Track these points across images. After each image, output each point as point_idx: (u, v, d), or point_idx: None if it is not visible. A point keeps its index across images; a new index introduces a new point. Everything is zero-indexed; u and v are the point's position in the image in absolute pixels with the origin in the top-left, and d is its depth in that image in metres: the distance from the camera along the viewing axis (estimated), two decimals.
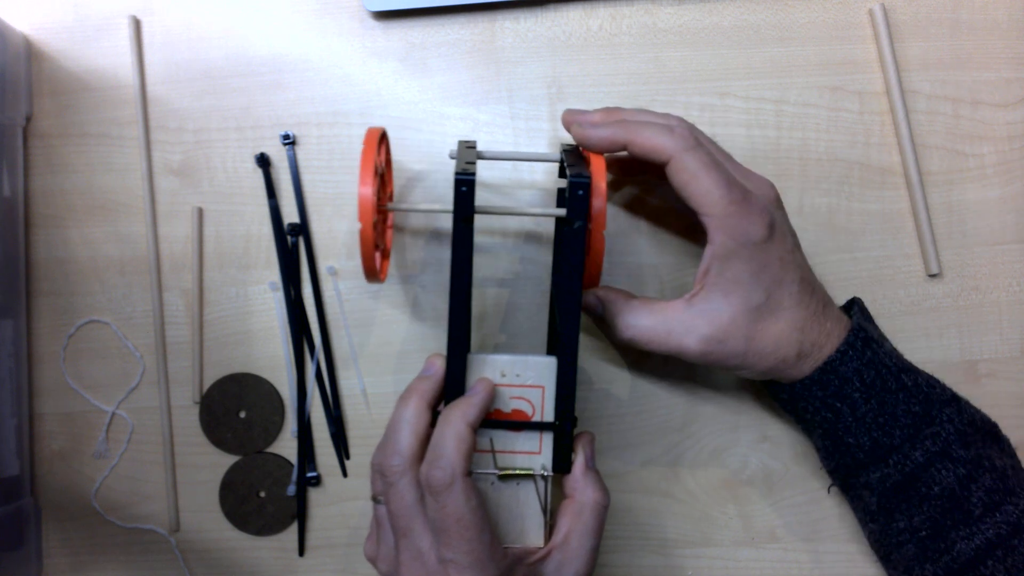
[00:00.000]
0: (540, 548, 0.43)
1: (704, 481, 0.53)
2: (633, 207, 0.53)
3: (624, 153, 0.47)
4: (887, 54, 0.52)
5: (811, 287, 0.45)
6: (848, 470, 0.46)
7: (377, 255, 0.45)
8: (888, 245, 0.53)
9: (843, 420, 0.45)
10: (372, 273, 0.45)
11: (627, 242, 0.53)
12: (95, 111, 0.53)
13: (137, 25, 0.53)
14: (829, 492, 0.52)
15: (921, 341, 0.53)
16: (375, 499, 0.43)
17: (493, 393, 0.43)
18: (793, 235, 0.46)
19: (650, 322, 0.44)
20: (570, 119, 0.47)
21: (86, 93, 0.53)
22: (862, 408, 0.44)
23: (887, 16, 0.53)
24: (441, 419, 0.41)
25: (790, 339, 0.44)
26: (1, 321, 0.50)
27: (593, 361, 0.53)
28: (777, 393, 0.48)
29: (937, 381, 0.46)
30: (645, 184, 0.53)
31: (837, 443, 0.46)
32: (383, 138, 0.47)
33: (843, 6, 0.53)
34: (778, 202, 0.46)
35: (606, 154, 0.46)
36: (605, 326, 0.47)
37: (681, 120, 0.45)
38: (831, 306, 0.46)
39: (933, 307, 0.53)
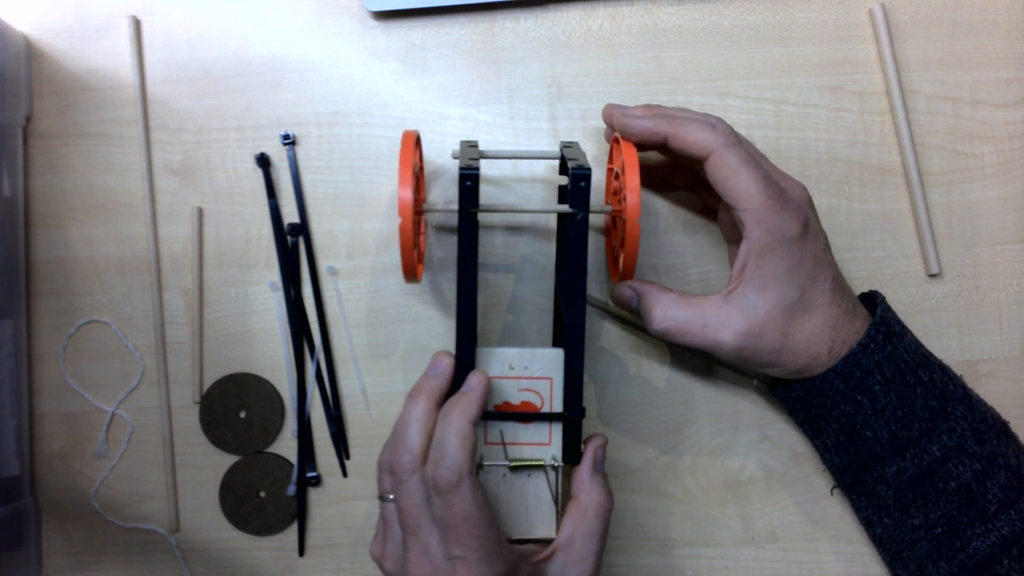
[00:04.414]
0: (545, 547, 0.43)
1: (704, 481, 0.53)
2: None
3: (655, 157, 0.48)
4: (887, 54, 0.52)
5: (842, 287, 0.46)
6: (862, 464, 0.46)
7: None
8: (888, 245, 0.53)
9: (862, 413, 0.45)
10: (411, 274, 0.45)
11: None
12: (95, 111, 0.53)
13: (137, 25, 0.53)
14: (832, 493, 0.52)
15: (921, 341, 0.53)
16: (382, 497, 0.43)
17: (489, 385, 0.43)
18: (825, 236, 0.46)
19: (687, 315, 0.45)
20: (611, 110, 0.48)
21: (86, 93, 0.53)
22: (882, 401, 0.45)
23: (887, 16, 0.53)
24: (441, 418, 0.41)
25: (822, 336, 0.44)
26: (1, 321, 0.50)
27: (593, 362, 0.53)
28: (790, 392, 0.48)
29: (952, 377, 0.47)
30: (656, 190, 0.53)
31: (853, 437, 0.46)
32: (418, 142, 0.47)
33: (843, 6, 0.53)
34: (810, 203, 0.47)
35: (639, 152, 0.46)
36: (639, 317, 0.48)
37: (721, 119, 0.46)
38: (859, 306, 0.46)
39: (933, 307, 0.53)
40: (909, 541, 0.46)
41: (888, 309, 0.47)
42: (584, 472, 0.44)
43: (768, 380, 0.51)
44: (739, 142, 0.45)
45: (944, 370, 0.47)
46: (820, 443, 0.49)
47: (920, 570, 0.45)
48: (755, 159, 0.45)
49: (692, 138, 0.44)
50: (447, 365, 0.44)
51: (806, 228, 0.44)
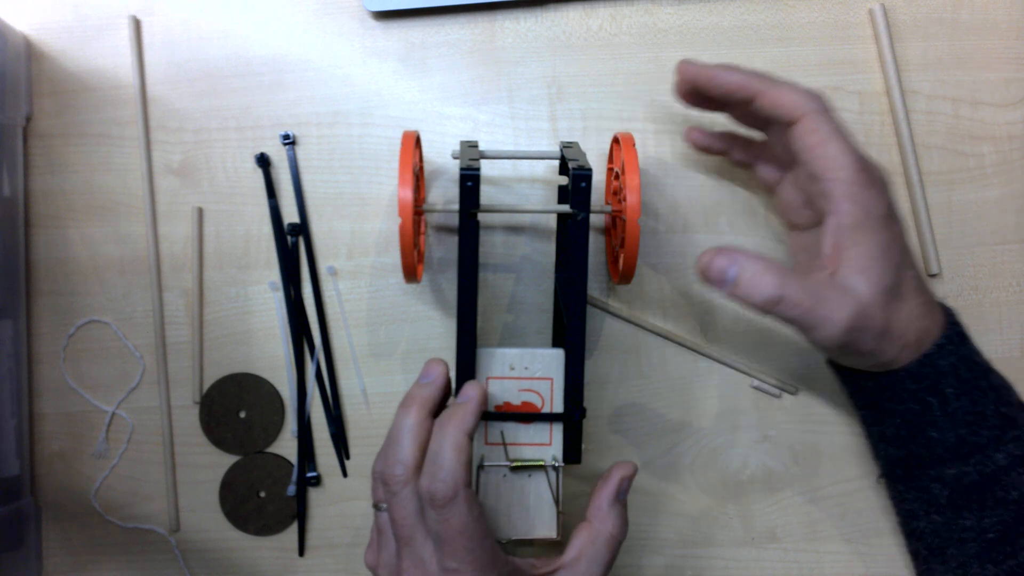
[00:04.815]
0: (546, 559, 0.43)
1: (704, 481, 0.53)
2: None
3: (715, 127, 0.46)
4: (887, 54, 0.52)
5: (922, 276, 0.44)
6: (920, 461, 0.45)
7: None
8: None
9: (930, 414, 0.43)
10: (411, 274, 0.45)
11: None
12: (95, 111, 0.53)
13: (137, 25, 0.53)
14: (878, 482, 0.51)
15: None
16: (376, 506, 0.43)
17: (486, 396, 0.42)
18: (904, 223, 0.44)
19: (803, 286, 0.41)
20: (690, 66, 0.45)
21: (86, 93, 0.53)
22: (952, 404, 0.43)
23: (887, 16, 0.53)
24: (437, 429, 0.41)
25: (911, 326, 0.42)
26: (1, 321, 0.50)
27: (593, 362, 0.53)
28: (857, 380, 0.46)
29: (1008, 382, 0.45)
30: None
31: (916, 434, 0.44)
32: (418, 142, 0.47)
33: (843, 6, 0.53)
34: (890, 187, 0.44)
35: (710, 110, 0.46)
36: (731, 287, 0.42)
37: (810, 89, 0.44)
38: (935, 301, 0.45)
39: None
40: (957, 539, 0.44)
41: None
42: (604, 499, 0.43)
43: (786, 389, 0.51)
44: (831, 110, 0.43)
45: (1002, 375, 0.45)
46: (877, 431, 0.47)
47: (963, 567, 0.44)
48: (845, 129, 0.43)
49: (785, 99, 0.42)
50: (439, 373, 0.43)
51: (891, 209, 0.42)
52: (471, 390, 0.42)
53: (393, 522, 0.41)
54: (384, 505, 0.42)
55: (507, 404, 0.44)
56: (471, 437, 0.40)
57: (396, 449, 0.41)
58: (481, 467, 0.44)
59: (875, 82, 0.53)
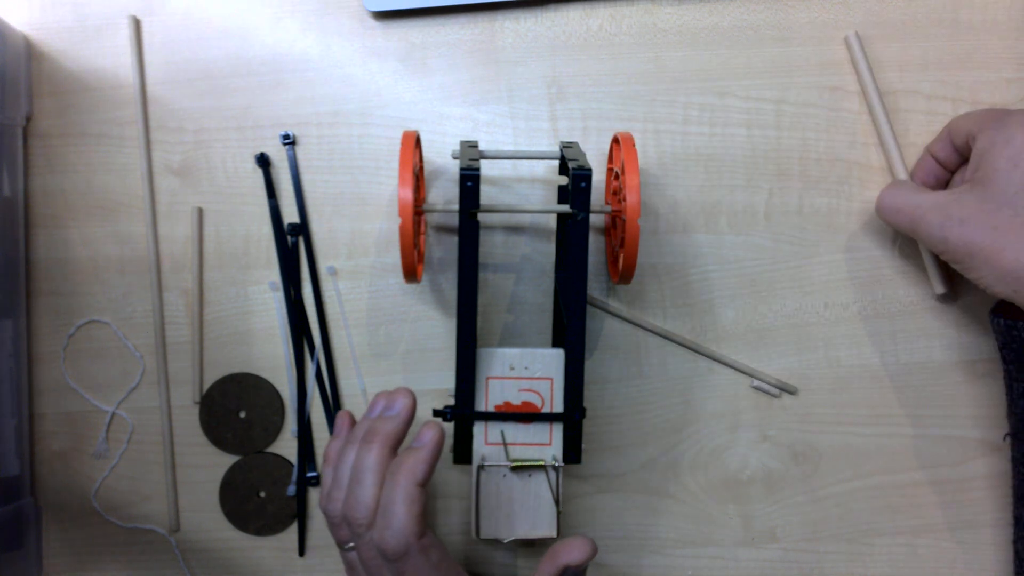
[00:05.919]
0: None
1: (704, 481, 0.53)
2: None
3: None
4: (867, 80, 0.52)
5: None
6: None
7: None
8: (888, 245, 0.53)
9: None
10: (411, 274, 0.45)
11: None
12: (95, 111, 0.53)
13: (137, 25, 0.53)
14: (1005, 440, 0.51)
15: (921, 341, 0.53)
16: (341, 546, 0.42)
17: (442, 442, 0.41)
18: None
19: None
20: None
21: (86, 93, 0.53)
22: None
23: (886, 17, 0.53)
24: (389, 477, 0.40)
25: None
26: (1, 321, 0.50)
27: (593, 362, 0.53)
28: (1012, 331, 0.45)
29: None
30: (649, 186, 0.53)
31: None
32: (418, 142, 0.47)
33: (843, 6, 0.53)
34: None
35: None
36: None
37: None
38: None
39: (933, 307, 0.53)
40: None
41: None
42: (547, 573, 0.41)
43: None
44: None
45: None
46: (1020, 387, 0.46)
47: None
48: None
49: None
50: (404, 407, 0.42)
51: None
52: (427, 434, 0.41)
53: (363, 563, 0.40)
54: (350, 545, 0.41)
55: (507, 404, 0.44)
56: (424, 486, 0.39)
57: (359, 490, 0.40)
58: (481, 467, 0.44)
59: (876, 82, 0.53)
